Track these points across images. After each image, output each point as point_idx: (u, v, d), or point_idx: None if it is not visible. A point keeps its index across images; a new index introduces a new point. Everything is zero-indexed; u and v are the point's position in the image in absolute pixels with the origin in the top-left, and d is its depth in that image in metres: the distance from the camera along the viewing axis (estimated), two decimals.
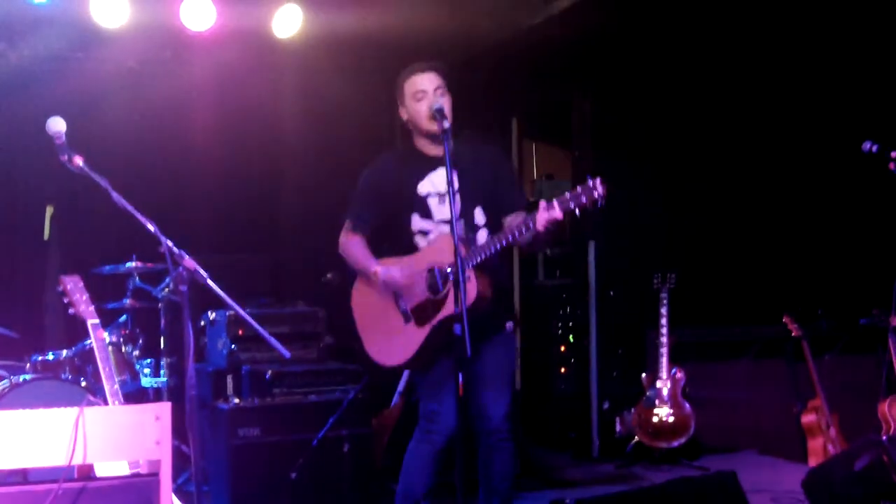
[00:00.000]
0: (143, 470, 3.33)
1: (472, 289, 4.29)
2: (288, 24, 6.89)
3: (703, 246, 7.96)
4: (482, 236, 4.53)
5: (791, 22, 7.08)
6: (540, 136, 8.91)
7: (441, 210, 4.55)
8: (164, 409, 3.18)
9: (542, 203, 4.19)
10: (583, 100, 8.01)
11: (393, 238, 4.65)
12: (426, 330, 4.46)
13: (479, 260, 4.32)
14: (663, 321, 7.24)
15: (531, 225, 4.19)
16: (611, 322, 7.88)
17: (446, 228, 4.49)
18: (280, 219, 7.85)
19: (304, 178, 7.44)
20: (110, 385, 4.11)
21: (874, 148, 5.77)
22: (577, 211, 4.14)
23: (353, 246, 4.67)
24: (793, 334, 6.81)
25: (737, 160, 8.09)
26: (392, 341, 4.56)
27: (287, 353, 3.81)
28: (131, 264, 6.27)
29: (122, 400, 4.12)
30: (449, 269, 4.32)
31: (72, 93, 6.66)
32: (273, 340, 3.75)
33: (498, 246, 4.30)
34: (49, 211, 7.07)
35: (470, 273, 4.30)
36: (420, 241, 4.59)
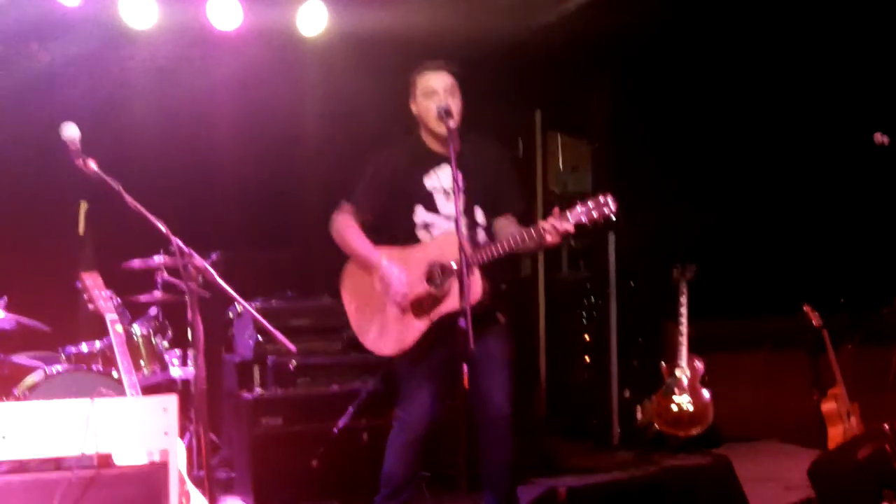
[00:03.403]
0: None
1: (476, 286, 4.42)
2: (313, 22, 7.00)
3: (723, 237, 8.01)
4: (482, 235, 4.65)
5: (808, 13, 7.13)
6: (564, 128, 8.98)
7: (446, 206, 4.66)
8: (171, 401, 3.35)
9: (556, 210, 4.37)
10: (600, 92, 8.08)
11: (392, 228, 4.74)
12: (424, 323, 4.57)
13: (483, 260, 4.44)
14: (683, 311, 7.32)
15: (538, 234, 4.37)
16: (631, 312, 7.94)
17: (450, 224, 4.58)
18: (307, 214, 7.97)
19: (328, 173, 7.55)
20: (129, 377, 4.29)
21: (885, 140, 5.83)
22: (588, 225, 4.32)
23: (353, 234, 4.73)
24: (813, 324, 6.87)
25: (756, 151, 8.12)
26: (387, 330, 4.65)
27: (293, 347, 3.95)
28: (158, 258, 6.42)
29: (139, 392, 4.29)
30: (454, 265, 4.44)
31: (101, 92, 6.79)
32: (278, 334, 3.91)
33: (502, 250, 4.43)
34: (83, 206, 7.22)
35: (475, 270, 4.44)
36: (422, 233, 4.70)
